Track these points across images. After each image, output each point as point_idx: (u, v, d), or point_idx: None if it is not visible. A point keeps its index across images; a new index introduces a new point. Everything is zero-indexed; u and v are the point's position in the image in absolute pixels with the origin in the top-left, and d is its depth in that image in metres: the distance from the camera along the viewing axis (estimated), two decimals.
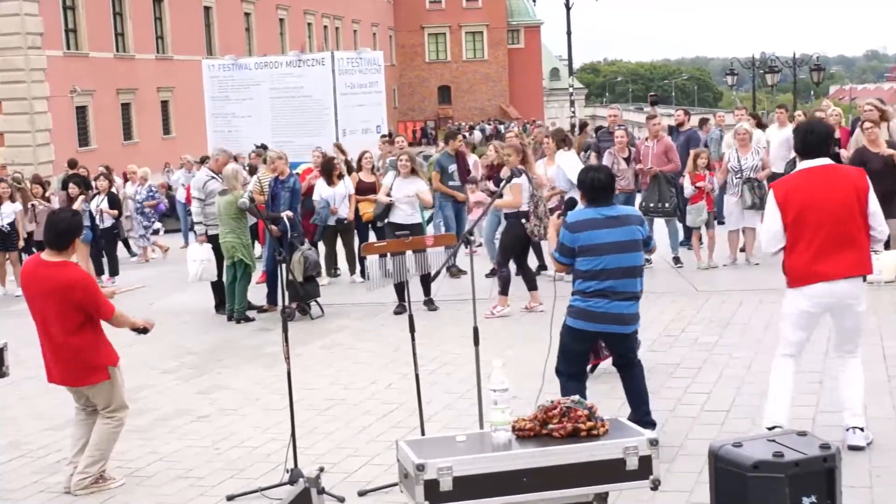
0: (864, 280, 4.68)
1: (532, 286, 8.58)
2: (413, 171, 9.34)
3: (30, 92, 27.57)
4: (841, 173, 4.69)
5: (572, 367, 4.90)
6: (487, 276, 10.00)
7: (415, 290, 8.83)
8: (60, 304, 4.86)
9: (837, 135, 10.16)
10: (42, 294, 4.91)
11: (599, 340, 5.38)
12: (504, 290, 8.58)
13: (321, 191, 10.46)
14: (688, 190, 9.90)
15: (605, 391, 5.63)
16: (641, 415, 4.83)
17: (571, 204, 5.16)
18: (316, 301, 9.28)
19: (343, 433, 5.71)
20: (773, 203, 4.64)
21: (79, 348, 4.92)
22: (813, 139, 4.67)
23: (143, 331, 5.14)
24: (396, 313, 8.91)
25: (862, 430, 4.70)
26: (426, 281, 8.68)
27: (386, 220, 9.36)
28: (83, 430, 5.13)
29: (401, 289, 8.71)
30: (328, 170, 10.52)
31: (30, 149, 27.44)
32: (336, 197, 10.45)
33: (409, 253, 5.51)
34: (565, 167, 9.89)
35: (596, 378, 5.91)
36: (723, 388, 5.98)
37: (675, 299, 8.63)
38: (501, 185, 6.51)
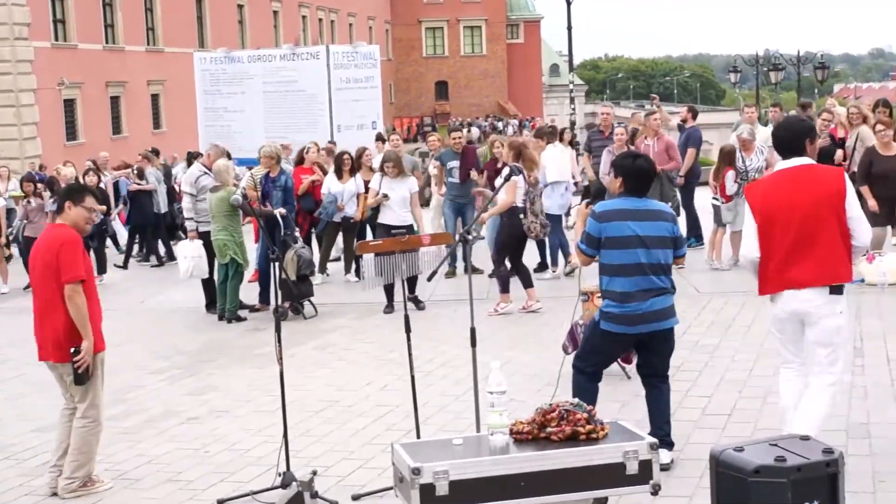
0: (836, 291, 4.33)
1: (528, 284, 8.61)
2: (401, 173, 9.25)
3: (16, 84, 27.50)
4: (815, 174, 4.41)
5: (596, 365, 4.80)
6: (491, 276, 10.04)
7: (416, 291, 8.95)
8: (47, 263, 4.90)
9: (842, 135, 10.17)
10: (36, 255, 5.01)
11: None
12: (505, 288, 8.62)
13: (331, 185, 10.46)
14: (731, 188, 9.84)
15: (605, 393, 5.62)
16: (662, 435, 4.64)
17: (599, 192, 5.02)
18: (309, 300, 9.28)
19: (337, 436, 5.71)
20: (747, 206, 4.55)
21: (65, 321, 4.88)
22: (785, 136, 4.50)
23: (76, 351, 4.86)
24: (386, 313, 8.95)
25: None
26: (412, 279, 8.69)
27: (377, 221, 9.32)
28: (65, 432, 5.09)
29: (390, 289, 8.72)
30: (339, 165, 10.52)
31: (16, 142, 27.37)
32: (345, 193, 10.44)
33: (403, 252, 5.51)
34: (546, 162, 9.95)
35: None
36: (724, 392, 6.00)
37: (676, 301, 8.56)
38: (500, 184, 6.53)
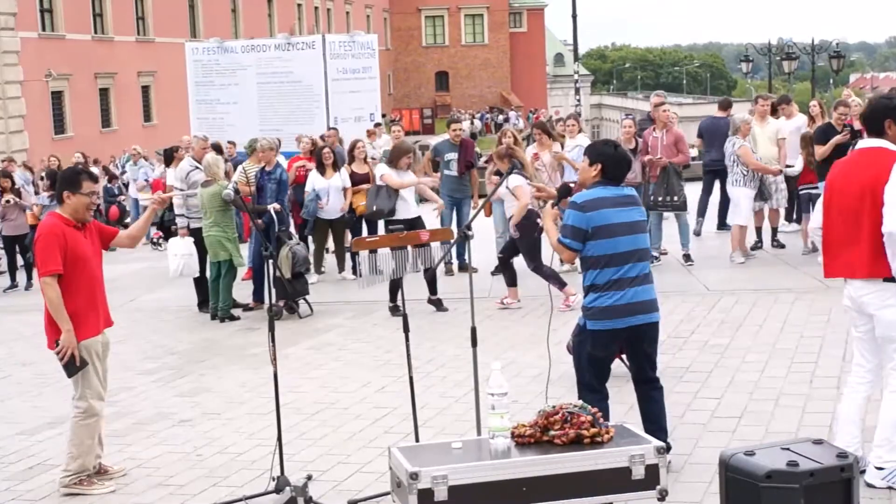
0: (891, 279, 4.28)
1: (512, 282, 8.82)
2: (409, 166, 9.16)
3: (2, 76, 27.50)
4: (871, 160, 4.34)
5: (598, 376, 4.71)
6: (493, 273, 10.11)
7: (414, 289, 8.89)
8: (35, 255, 5.14)
9: (859, 127, 10.15)
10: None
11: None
12: (512, 282, 8.77)
13: (315, 182, 10.41)
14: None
15: (611, 395, 5.62)
16: None
17: (565, 191, 4.93)
18: (304, 299, 9.27)
19: (332, 439, 5.71)
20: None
21: (47, 311, 5.04)
22: (866, 114, 4.53)
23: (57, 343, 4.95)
24: (395, 315, 8.88)
25: (879, 469, 4.38)
26: (432, 278, 8.70)
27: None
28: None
29: (395, 287, 8.68)
30: (320, 160, 10.48)
31: (2, 136, 27.38)
32: (331, 189, 10.40)
33: (404, 248, 5.51)
34: None
35: None
36: (734, 394, 5.98)
37: (685, 299, 8.64)
38: (505, 177, 6.54)
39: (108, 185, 18.15)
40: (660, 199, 9.96)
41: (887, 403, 4.39)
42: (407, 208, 9.00)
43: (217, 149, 11.20)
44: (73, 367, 5.00)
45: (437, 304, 8.90)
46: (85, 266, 5.05)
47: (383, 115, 15.98)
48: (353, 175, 10.63)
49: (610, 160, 4.66)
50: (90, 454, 5.10)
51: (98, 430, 5.16)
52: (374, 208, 9.11)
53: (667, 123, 10.31)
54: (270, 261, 5.29)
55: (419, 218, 9.03)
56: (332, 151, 10.69)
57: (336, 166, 10.52)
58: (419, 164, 11.36)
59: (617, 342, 4.71)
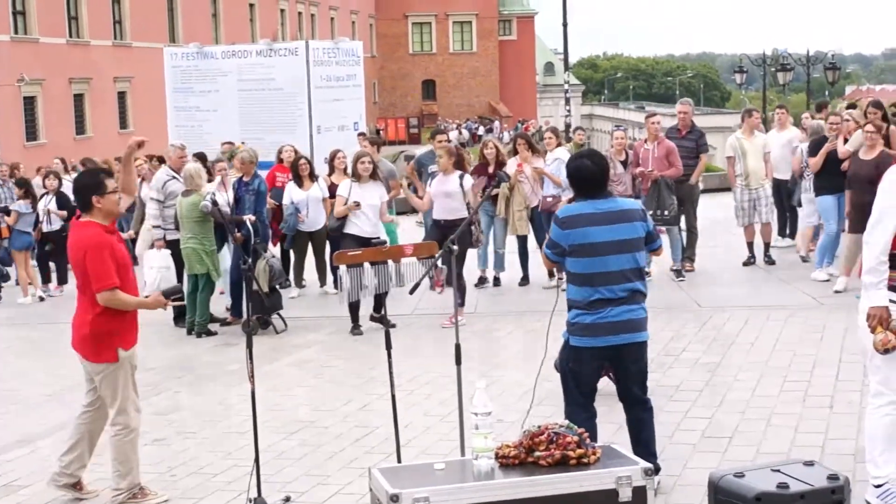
0: None
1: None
2: (373, 176, 8.97)
3: None
4: None
5: (583, 392, 4.71)
6: (476, 285, 10.16)
7: (397, 304, 8.88)
8: (74, 263, 5.14)
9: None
10: (71, 255, 5.22)
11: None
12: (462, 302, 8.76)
13: (293, 194, 10.39)
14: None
15: (600, 414, 5.61)
16: None
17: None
18: (279, 313, 9.24)
19: (312, 459, 5.70)
20: None
21: (90, 323, 5.03)
22: None
23: (177, 296, 5.29)
24: (354, 334, 8.79)
25: (877, 486, 4.36)
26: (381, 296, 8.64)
27: (343, 232, 8.87)
28: (75, 430, 5.22)
29: (356, 307, 8.57)
30: (296, 171, 10.45)
31: None
32: (309, 201, 10.38)
33: (388, 263, 5.53)
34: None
35: None
36: (725, 413, 6.01)
37: (676, 315, 8.69)
38: (489, 189, 6.57)
39: None
40: (650, 213, 10.01)
41: (867, 418, 4.43)
42: (365, 225, 8.80)
43: (201, 158, 11.18)
44: (176, 293, 5.37)
45: (381, 321, 8.85)
46: (128, 273, 5.09)
47: (378, 131, 15.98)
48: (332, 186, 10.52)
49: (571, 176, 4.68)
50: (137, 468, 5.11)
51: (138, 443, 5.17)
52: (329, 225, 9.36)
53: (657, 135, 10.39)
54: (249, 274, 5.28)
55: (382, 242, 8.86)
56: (308, 163, 10.70)
57: (313, 177, 10.51)
58: (395, 179, 11.35)
59: (599, 360, 4.70)
